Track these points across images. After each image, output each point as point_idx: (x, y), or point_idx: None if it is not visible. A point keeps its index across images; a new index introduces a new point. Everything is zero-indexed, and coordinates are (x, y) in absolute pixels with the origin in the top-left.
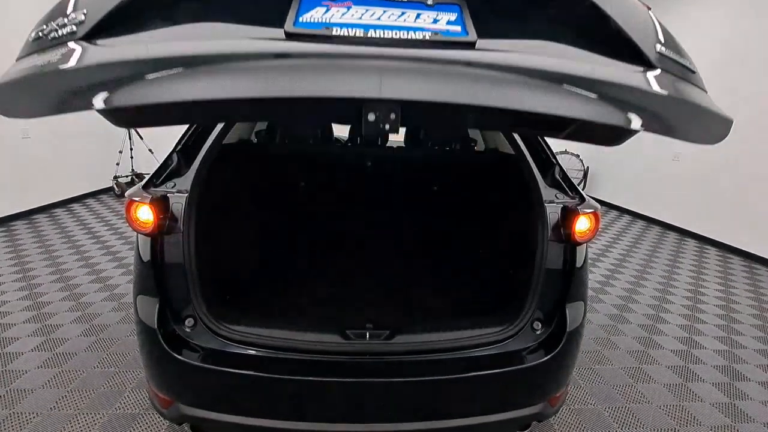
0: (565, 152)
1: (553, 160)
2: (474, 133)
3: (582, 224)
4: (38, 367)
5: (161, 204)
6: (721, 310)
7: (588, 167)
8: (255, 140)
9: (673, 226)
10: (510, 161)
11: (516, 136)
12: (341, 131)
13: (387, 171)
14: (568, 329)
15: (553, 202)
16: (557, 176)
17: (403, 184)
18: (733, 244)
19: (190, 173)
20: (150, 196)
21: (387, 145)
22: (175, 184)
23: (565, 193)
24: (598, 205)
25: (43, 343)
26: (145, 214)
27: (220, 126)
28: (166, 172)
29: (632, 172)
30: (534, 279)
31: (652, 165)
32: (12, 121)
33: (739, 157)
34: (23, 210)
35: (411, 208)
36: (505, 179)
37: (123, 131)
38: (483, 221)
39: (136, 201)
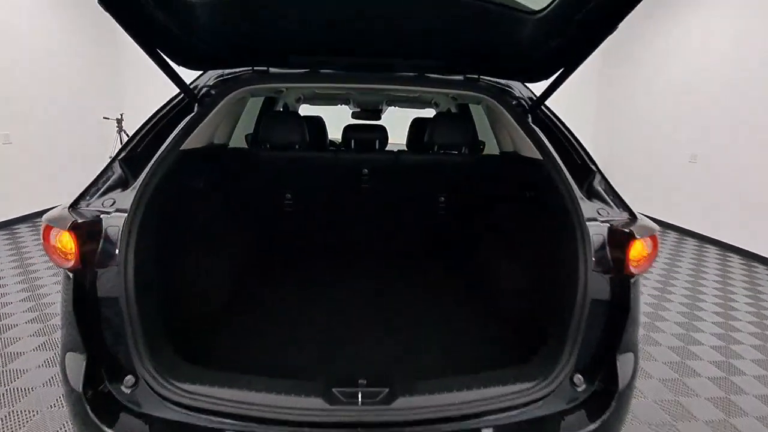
0: None
1: (592, 166)
2: (484, 135)
3: (638, 251)
4: (38, 367)
5: (89, 229)
6: (755, 327)
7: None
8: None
9: (692, 232)
10: (535, 168)
11: (542, 135)
12: (335, 134)
13: (385, 181)
14: (620, 387)
15: (596, 220)
16: (598, 186)
17: (405, 197)
18: (759, 252)
19: (135, 187)
20: (72, 220)
21: (386, 149)
22: (114, 201)
23: (610, 208)
24: (655, 225)
25: (44, 343)
26: (66, 244)
27: (180, 127)
28: (103, 187)
29: (643, 175)
30: (575, 320)
31: (665, 167)
32: None
33: (765, 158)
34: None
35: (413, 227)
36: (529, 191)
37: (113, 137)
38: (504, 245)
39: (54, 227)
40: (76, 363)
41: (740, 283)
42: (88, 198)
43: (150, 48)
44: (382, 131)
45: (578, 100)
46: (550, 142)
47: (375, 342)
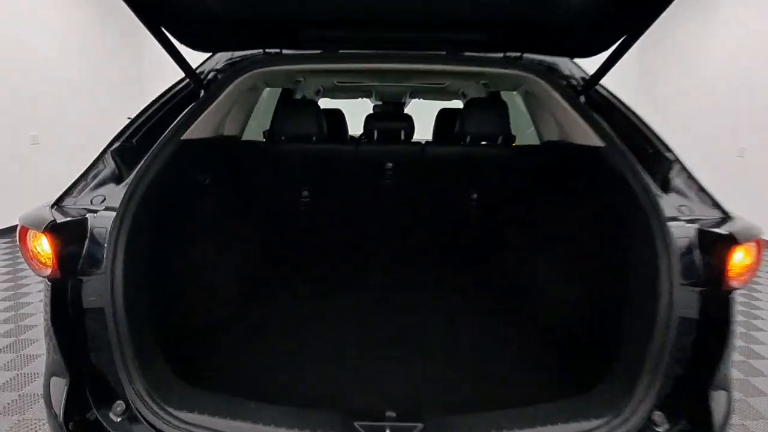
0: None
1: (668, 154)
2: (519, 122)
3: (740, 259)
4: None
5: (71, 230)
6: None
7: None
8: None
9: None
10: (594, 157)
11: (598, 119)
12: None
13: (410, 177)
14: (716, 429)
15: (678, 220)
16: (677, 178)
17: (432, 194)
18: None
19: (129, 181)
20: (50, 220)
21: (413, 140)
22: (104, 198)
23: (695, 204)
24: (758, 226)
25: None
26: (43, 247)
27: (183, 116)
28: (93, 182)
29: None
30: (655, 343)
31: (710, 163)
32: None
33: None
34: None
35: (442, 228)
36: (584, 186)
37: None
38: (551, 250)
39: (30, 228)
40: (58, 387)
41: None
42: (75, 194)
43: (153, 25)
44: (407, 120)
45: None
46: (611, 127)
47: (402, 363)
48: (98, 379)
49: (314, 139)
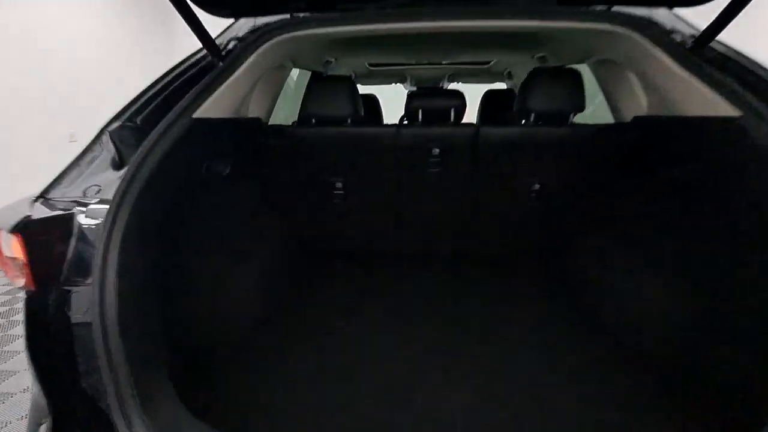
0: None
1: None
2: (593, 93)
3: None
4: None
5: (51, 231)
6: None
7: None
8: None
9: None
10: (723, 132)
11: (730, 80)
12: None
13: (461, 164)
14: None
15: None
16: None
17: (489, 185)
18: None
19: (128, 168)
20: (22, 217)
21: (463, 122)
22: (99, 189)
23: None
24: None
25: None
26: (15, 252)
27: (196, 89)
28: (88, 169)
29: None
30: None
31: None
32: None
33: None
34: None
35: (503, 226)
36: (712, 171)
37: None
38: (643, 249)
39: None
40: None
41: None
42: (65, 183)
43: None
44: (458, 98)
45: None
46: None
47: (457, 399)
48: (86, 418)
49: (349, 121)
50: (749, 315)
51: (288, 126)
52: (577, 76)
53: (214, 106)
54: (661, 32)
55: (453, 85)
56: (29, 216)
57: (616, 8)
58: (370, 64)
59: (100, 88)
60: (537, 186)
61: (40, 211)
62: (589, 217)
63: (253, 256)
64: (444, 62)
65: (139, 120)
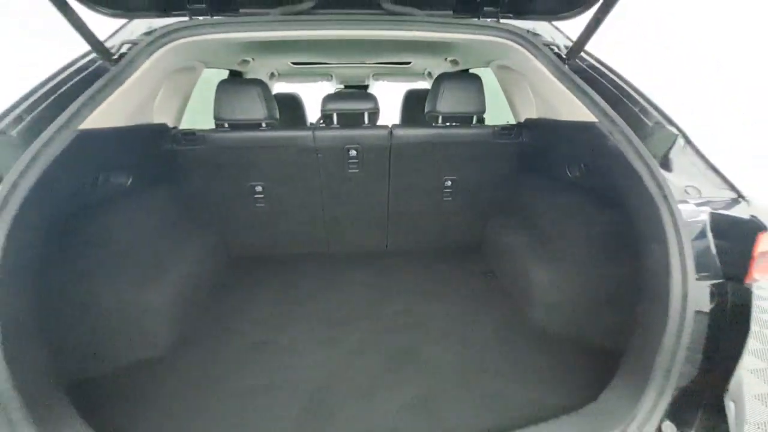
0: None
1: (670, 127)
2: (492, 105)
3: (766, 246)
4: None
5: None
6: None
7: None
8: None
9: None
10: (586, 134)
11: (591, 90)
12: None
13: (378, 165)
14: None
15: (686, 202)
16: (681, 154)
17: (404, 184)
18: None
19: (2, 185)
20: None
21: (378, 124)
22: None
23: (704, 184)
24: None
25: None
26: None
27: (81, 99)
28: None
29: None
30: (665, 346)
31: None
32: None
33: None
34: None
35: (418, 222)
36: (580, 166)
37: None
38: (542, 242)
39: None
40: None
41: None
42: None
43: None
44: (371, 100)
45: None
46: (603, 98)
47: (378, 383)
48: None
49: (263, 125)
50: (615, 293)
51: (199, 130)
52: (477, 82)
53: (105, 115)
54: (541, 44)
55: (378, 84)
56: None
57: (503, 21)
58: (293, 63)
59: None
60: (449, 182)
61: None
62: (497, 208)
63: (167, 266)
64: (367, 62)
65: (15, 132)
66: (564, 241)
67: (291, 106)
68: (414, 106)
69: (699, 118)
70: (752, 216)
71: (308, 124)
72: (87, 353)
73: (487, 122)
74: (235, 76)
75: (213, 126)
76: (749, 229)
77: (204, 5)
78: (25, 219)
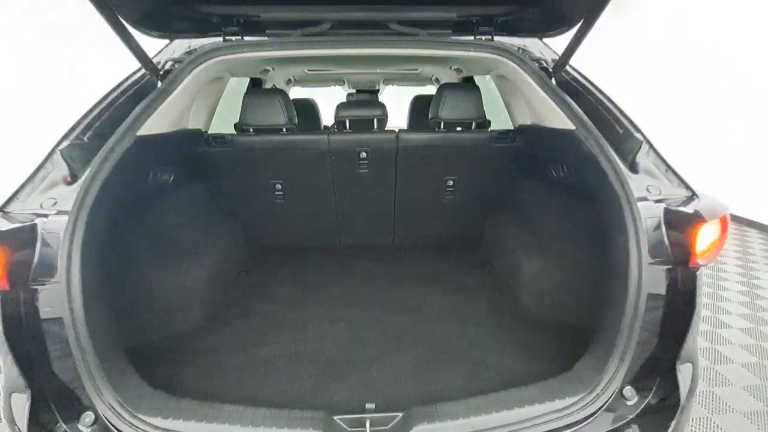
0: None
1: (637, 134)
2: (494, 108)
3: (706, 236)
4: None
5: (18, 239)
6: None
7: None
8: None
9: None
10: (566, 140)
11: (570, 101)
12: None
13: (386, 165)
14: (681, 401)
15: (647, 200)
16: (646, 158)
17: (409, 183)
18: None
19: (81, 183)
20: None
21: (386, 129)
22: (55, 201)
23: (663, 184)
24: (725, 202)
25: None
26: None
27: (137, 110)
28: (42, 184)
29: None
30: (626, 321)
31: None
32: None
33: None
34: None
35: (421, 216)
36: (558, 169)
37: None
38: (530, 234)
39: None
40: (20, 402)
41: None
42: (22, 198)
43: (105, 7)
44: (380, 108)
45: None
46: (582, 109)
47: (384, 356)
48: (63, 392)
49: (284, 130)
50: (589, 276)
51: (228, 135)
52: (476, 92)
53: (156, 123)
54: (528, 59)
55: (388, 88)
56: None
57: (497, 39)
58: (309, 70)
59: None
60: (451, 182)
61: (6, 224)
62: (495, 205)
63: (200, 251)
64: (377, 70)
65: (86, 138)
66: (550, 234)
67: (307, 111)
68: (420, 110)
69: (705, 119)
70: (696, 210)
71: (322, 126)
72: (137, 323)
73: (492, 123)
74: (255, 82)
75: (229, 123)
76: (693, 221)
77: (236, 28)
78: (99, 207)
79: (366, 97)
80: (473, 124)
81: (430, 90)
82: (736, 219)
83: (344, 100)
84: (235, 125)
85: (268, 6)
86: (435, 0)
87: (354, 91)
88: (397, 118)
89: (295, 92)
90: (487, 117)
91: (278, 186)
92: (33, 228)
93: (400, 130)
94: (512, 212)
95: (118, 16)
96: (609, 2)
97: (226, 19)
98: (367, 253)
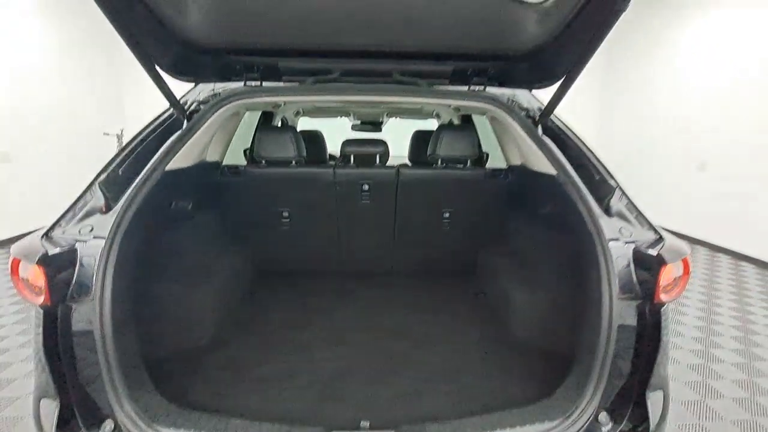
0: None
1: (611, 181)
2: (488, 145)
3: (669, 276)
4: None
5: (61, 260)
6: None
7: None
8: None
9: (703, 241)
10: (548, 183)
11: (554, 147)
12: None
13: (387, 197)
14: (652, 427)
15: (618, 240)
16: (619, 203)
17: (408, 214)
18: None
19: (116, 211)
20: (42, 252)
21: (388, 163)
22: (92, 228)
23: (633, 227)
24: (686, 246)
25: None
26: (36, 277)
27: (166, 145)
28: (81, 212)
29: (652, 182)
30: (599, 351)
31: (675, 176)
32: None
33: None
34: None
35: (418, 246)
36: (542, 208)
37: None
38: (517, 266)
39: (23, 260)
40: (49, 410)
41: (728, 284)
42: (63, 224)
43: (143, 55)
44: (382, 146)
45: (581, 104)
46: (564, 155)
47: (379, 378)
48: (88, 400)
49: (293, 162)
50: (569, 309)
51: (241, 167)
52: (472, 131)
53: (182, 157)
54: (518, 108)
55: (391, 120)
56: (46, 251)
57: (489, 89)
58: (318, 104)
59: (41, 108)
60: (447, 214)
61: (51, 247)
62: (489, 237)
63: (212, 275)
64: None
65: (121, 171)
66: (538, 266)
67: (315, 142)
68: (420, 144)
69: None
70: (659, 253)
71: (328, 155)
72: (153, 339)
73: (490, 155)
74: (267, 114)
75: (238, 148)
76: (657, 262)
77: (256, 74)
78: (130, 233)
79: (370, 128)
80: (468, 161)
81: (431, 123)
82: (731, 253)
83: (350, 128)
84: (245, 151)
85: (286, 58)
86: (434, 54)
87: (359, 122)
88: (399, 146)
89: (304, 120)
90: (486, 149)
91: (285, 213)
92: (73, 251)
93: (400, 165)
94: (504, 244)
95: (155, 64)
96: (588, 62)
97: (248, 67)
98: (367, 279)
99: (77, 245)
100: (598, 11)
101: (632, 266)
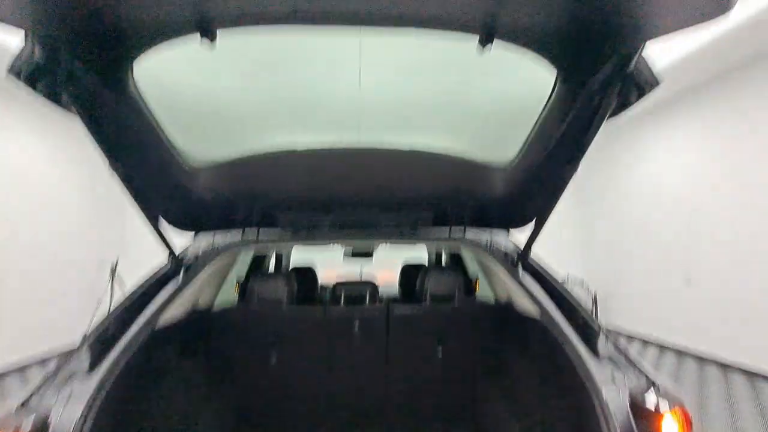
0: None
1: (595, 325)
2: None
3: (670, 425)
4: None
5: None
6: None
7: (596, 292)
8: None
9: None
10: (533, 326)
11: (537, 288)
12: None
13: (377, 334)
14: None
15: (613, 384)
16: (606, 346)
17: (398, 350)
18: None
19: (98, 378)
20: (14, 425)
21: (377, 303)
22: (71, 393)
23: (623, 372)
24: (681, 395)
25: None
26: None
27: (156, 304)
28: (61, 375)
29: (642, 295)
30: None
31: (664, 288)
32: None
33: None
34: None
35: (409, 382)
36: (533, 344)
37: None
38: (510, 404)
39: None
40: None
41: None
42: (42, 391)
43: (150, 211)
44: (371, 286)
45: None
46: (546, 294)
47: None
48: None
49: (285, 303)
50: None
51: (231, 309)
52: (457, 272)
53: (173, 310)
54: (496, 250)
55: (383, 247)
56: (18, 426)
57: (469, 230)
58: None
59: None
60: (439, 348)
61: (26, 418)
62: (482, 371)
63: (198, 419)
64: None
65: (110, 329)
66: (531, 403)
67: (307, 278)
68: (408, 279)
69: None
70: (657, 403)
71: (318, 288)
72: None
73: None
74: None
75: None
76: (656, 411)
77: (254, 226)
78: (110, 397)
79: (361, 260)
80: (456, 299)
81: (421, 251)
82: (747, 373)
83: (341, 257)
84: (238, 283)
85: (282, 212)
86: (415, 204)
87: (351, 254)
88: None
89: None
90: (475, 274)
91: (274, 353)
92: (46, 426)
93: (391, 302)
94: (498, 379)
95: (159, 218)
96: (555, 206)
97: (247, 220)
98: (358, 417)
99: (52, 414)
100: (557, 169)
101: (630, 415)
